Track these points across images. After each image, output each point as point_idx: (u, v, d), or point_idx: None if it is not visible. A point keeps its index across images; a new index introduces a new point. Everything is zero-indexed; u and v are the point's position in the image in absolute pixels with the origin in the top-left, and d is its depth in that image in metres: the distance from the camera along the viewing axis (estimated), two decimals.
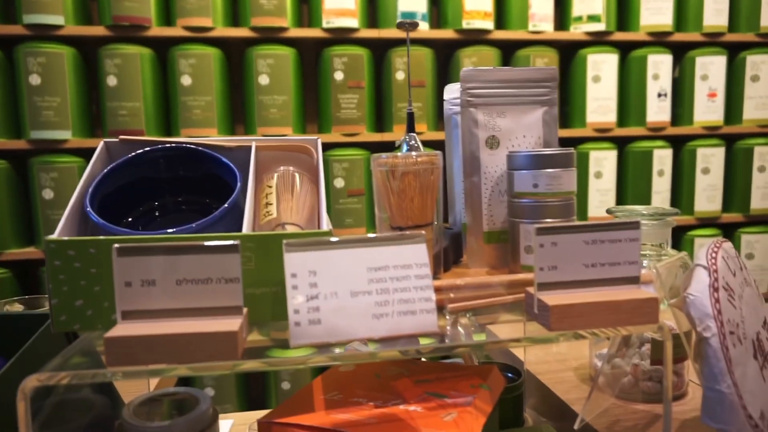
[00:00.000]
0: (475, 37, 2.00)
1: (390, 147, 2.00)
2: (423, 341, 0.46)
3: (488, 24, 2.00)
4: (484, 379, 0.56)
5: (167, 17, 1.87)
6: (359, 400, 0.51)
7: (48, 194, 1.79)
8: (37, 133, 1.77)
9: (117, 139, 0.72)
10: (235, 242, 0.45)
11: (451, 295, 0.54)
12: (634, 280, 0.50)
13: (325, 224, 0.63)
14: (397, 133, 1.97)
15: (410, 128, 0.83)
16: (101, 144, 0.72)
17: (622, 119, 2.18)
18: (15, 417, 0.38)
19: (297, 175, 0.74)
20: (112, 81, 1.80)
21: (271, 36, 1.89)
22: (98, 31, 1.79)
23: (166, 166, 0.72)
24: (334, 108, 1.93)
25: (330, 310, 0.43)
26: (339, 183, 1.93)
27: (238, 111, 2.02)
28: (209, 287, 0.45)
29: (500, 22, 2.07)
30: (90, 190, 0.64)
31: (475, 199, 0.80)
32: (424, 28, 1.97)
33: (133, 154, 0.69)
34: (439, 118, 2.08)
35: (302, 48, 1.99)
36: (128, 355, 0.41)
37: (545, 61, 2.05)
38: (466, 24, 1.97)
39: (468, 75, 0.78)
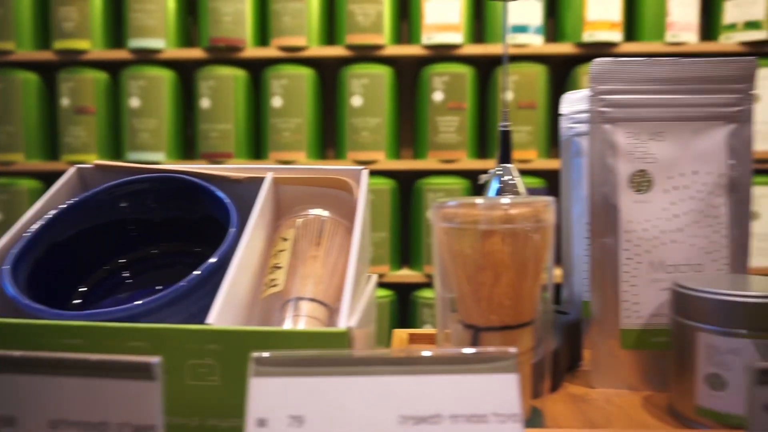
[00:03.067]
0: (599, 51, 1.72)
1: None
2: None
3: (615, 35, 1.71)
4: None
5: (263, 37, 1.82)
6: None
7: None
8: (133, 154, 1.77)
9: (92, 165, 0.56)
10: (153, 360, 0.26)
11: None
12: None
13: (345, 317, 0.39)
14: None
15: (505, 156, 0.55)
16: (72, 170, 0.55)
17: None
18: None
19: (327, 223, 0.52)
20: (205, 103, 1.76)
21: (366, 54, 1.76)
22: (196, 53, 1.78)
23: (144, 203, 0.54)
24: (431, 131, 1.75)
25: None
26: None
27: (330, 134, 1.90)
28: None
29: (630, 32, 1.77)
30: (29, 235, 0.47)
31: (609, 274, 0.50)
32: (537, 42, 1.73)
33: (89, 192, 0.52)
34: (553, 145, 1.81)
35: (399, 67, 1.84)
36: None
37: None
38: (588, 36, 1.70)
39: (602, 71, 0.49)
